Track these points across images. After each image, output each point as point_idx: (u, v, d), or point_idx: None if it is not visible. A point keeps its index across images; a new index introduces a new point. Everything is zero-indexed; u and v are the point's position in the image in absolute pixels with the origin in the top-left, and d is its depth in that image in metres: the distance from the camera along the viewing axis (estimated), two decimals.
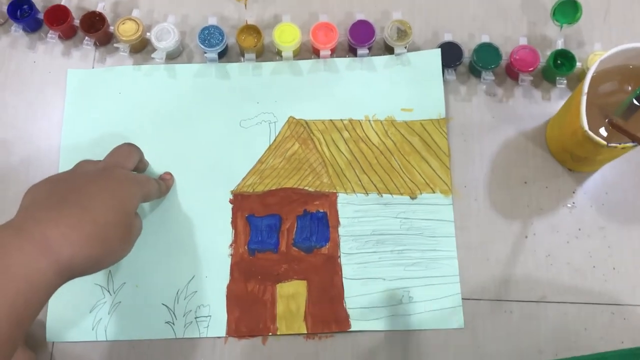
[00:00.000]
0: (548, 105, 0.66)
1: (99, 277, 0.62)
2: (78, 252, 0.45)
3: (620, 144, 0.52)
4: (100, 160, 0.57)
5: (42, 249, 0.44)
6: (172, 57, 0.68)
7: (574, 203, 0.63)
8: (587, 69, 0.63)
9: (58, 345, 0.60)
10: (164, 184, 0.62)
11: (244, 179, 0.64)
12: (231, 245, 0.62)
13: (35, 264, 0.43)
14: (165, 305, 0.61)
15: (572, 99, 0.58)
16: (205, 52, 0.66)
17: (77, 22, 0.67)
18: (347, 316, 0.60)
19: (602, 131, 0.56)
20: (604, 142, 0.52)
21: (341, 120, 0.66)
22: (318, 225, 0.63)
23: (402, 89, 0.66)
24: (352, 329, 0.60)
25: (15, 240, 0.43)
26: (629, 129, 0.54)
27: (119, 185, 0.52)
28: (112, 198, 0.50)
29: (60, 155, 0.65)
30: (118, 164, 0.56)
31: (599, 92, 0.56)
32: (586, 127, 0.52)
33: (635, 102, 0.55)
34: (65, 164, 0.64)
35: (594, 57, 0.64)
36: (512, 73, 0.66)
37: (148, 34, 0.67)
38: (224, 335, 0.60)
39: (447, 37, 0.67)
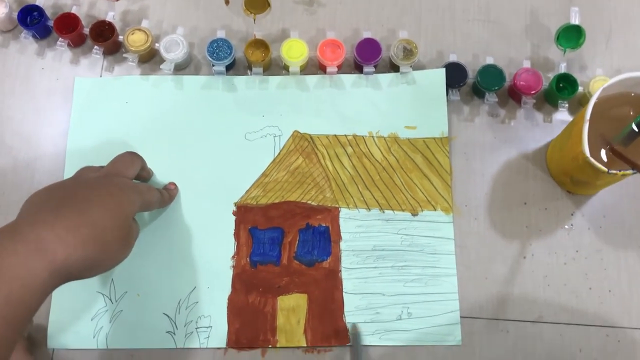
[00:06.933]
0: (549, 127, 0.67)
1: (100, 285, 0.62)
2: (73, 253, 0.46)
3: (620, 171, 0.54)
4: (102, 167, 0.58)
5: (36, 250, 0.44)
6: (180, 68, 0.69)
7: (572, 225, 0.64)
8: (589, 94, 0.65)
9: (58, 352, 0.61)
10: (168, 193, 0.63)
11: (247, 191, 0.65)
12: (233, 256, 0.63)
13: (28, 265, 0.43)
14: (167, 315, 0.61)
15: (573, 124, 0.59)
16: (213, 65, 0.66)
17: (86, 30, 0.68)
18: (346, 330, 0.61)
19: (603, 155, 0.57)
20: (605, 169, 0.53)
21: (345, 135, 0.67)
22: (320, 239, 0.64)
23: (406, 106, 0.67)
24: (351, 344, 0.61)
25: (8, 242, 0.44)
26: (629, 155, 0.55)
27: (118, 191, 0.52)
28: (110, 203, 0.51)
29: (66, 161, 0.66)
30: (119, 172, 0.56)
31: (600, 118, 0.57)
32: (588, 153, 0.53)
33: (635, 129, 0.56)
34: (71, 171, 0.64)
35: (596, 82, 0.65)
36: (514, 95, 0.67)
37: (157, 44, 0.67)
38: (224, 347, 0.61)
39: (452, 58, 0.68)
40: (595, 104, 0.55)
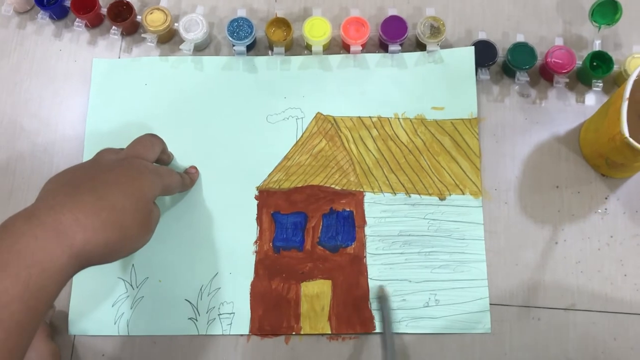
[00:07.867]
0: (582, 108, 0.65)
1: (121, 270, 0.61)
2: (92, 237, 0.45)
3: None
4: (121, 149, 0.56)
5: (55, 234, 0.43)
6: (200, 48, 0.67)
7: (606, 209, 0.62)
8: (625, 72, 0.62)
9: (80, 338, 0.60)
10: (189, 177, 0.61)
11: (269, 175, 0.63)
12: (256, 242, 0.62)
13: (47, 249, 0.42)
14: (189, 301, 0.60)
15: (610, 103, 0.56)
16: (234, 45, 0.65)
17: (104, 10, 0.66)
18: (372, 317, 0.59)
19: None
20: None
21: (370, 117, 0.65)
22: (344, 224, 0.62)
23: (433, 87, 0.65)
24: (377, 331, 0.59)
25: (26, 227, 0.43)
26: None
27: (138, 174, 0.51)
28: (130, 186, 0.49)
29: (85, 144, 0.65)
30: (139, 154, 0.55)
31: (637, 97, 0.55)
32: (627, 133, 0.51)
33: None
34: (90, 154, 0.63)
35: (633, 60, 0.62)
36: (546, 74, 0.65)
37: (176, 24, 0.66)
38: (247, 333, 0.59)
39: (481, 36, 0.65)
40: (634, 83, 0.52)
